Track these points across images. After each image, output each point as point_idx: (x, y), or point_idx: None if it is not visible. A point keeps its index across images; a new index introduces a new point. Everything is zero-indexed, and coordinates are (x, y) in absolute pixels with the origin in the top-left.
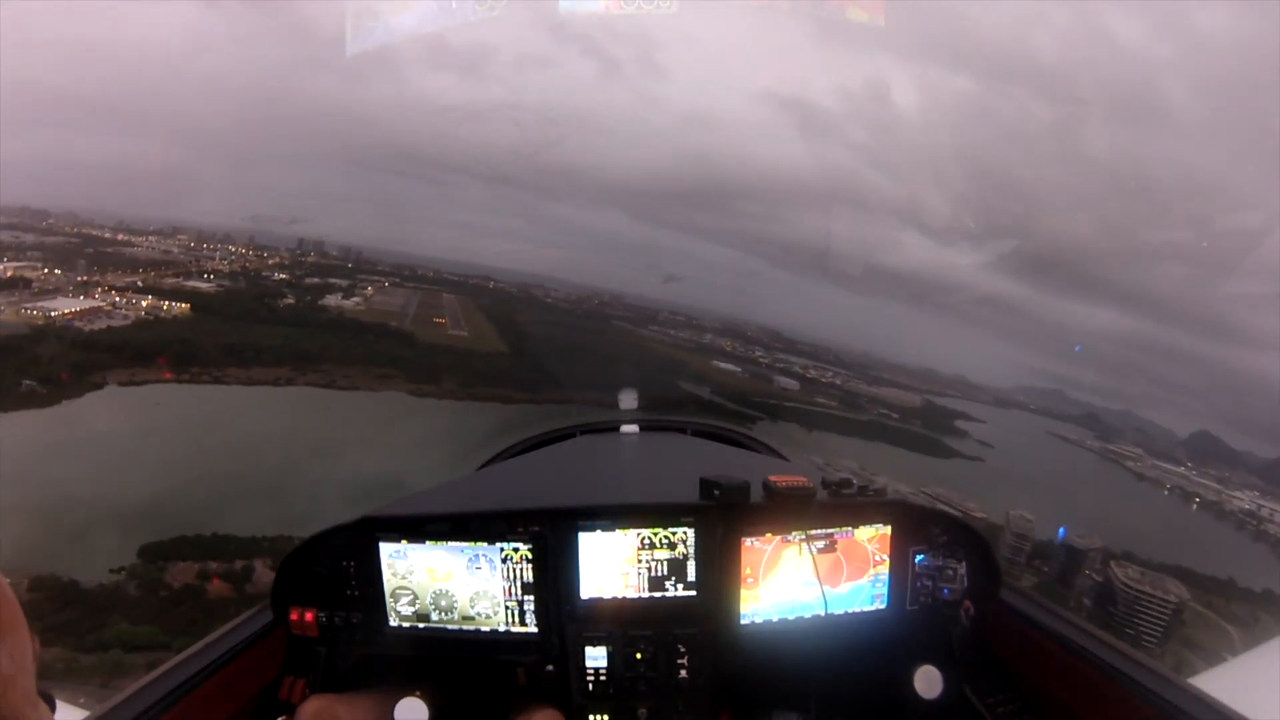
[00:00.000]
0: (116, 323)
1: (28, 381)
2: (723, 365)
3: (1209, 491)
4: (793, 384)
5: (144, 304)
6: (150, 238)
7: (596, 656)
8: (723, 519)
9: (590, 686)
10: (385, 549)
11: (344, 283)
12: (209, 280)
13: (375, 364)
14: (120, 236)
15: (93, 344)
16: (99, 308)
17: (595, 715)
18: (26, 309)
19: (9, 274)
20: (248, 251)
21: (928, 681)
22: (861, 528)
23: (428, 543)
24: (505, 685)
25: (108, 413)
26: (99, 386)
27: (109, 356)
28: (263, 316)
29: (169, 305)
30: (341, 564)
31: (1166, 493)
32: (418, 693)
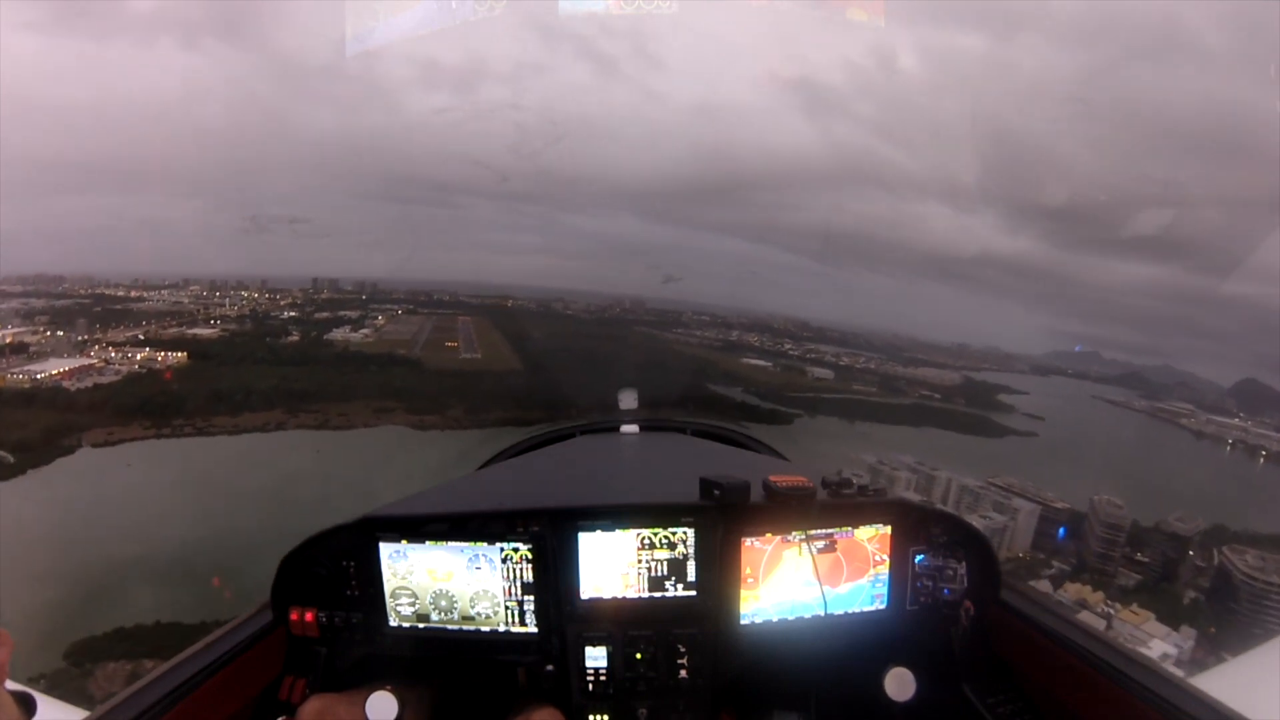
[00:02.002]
0: (106, 379)
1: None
2: (753, 361)
3: (1272, 443)
4: (827, 374)
5: (138, 358)
6: (163, 291)
7: (596, 656)
8: (723, 519)
9: (590, 686)
10: (385, 549)
11: (355, 314)
12: (214, 326)
13: (375, 397)
14: (133, 293)
15: (73, 404)
16: (90, 365)
17: (595, 715)
18: (15, 374)
19: (9, 340)
20: (260, 294)
21: (900, 684)
22: (861, 528)
23: (428, 543)
24: (505, 685)
25: (70, 480)
26: (70, 451)
27: (88, 416)
28: (261, 358)
29: (164, 356)
30: (341, 564)
31: (1229, 449)
32: (389, 687)
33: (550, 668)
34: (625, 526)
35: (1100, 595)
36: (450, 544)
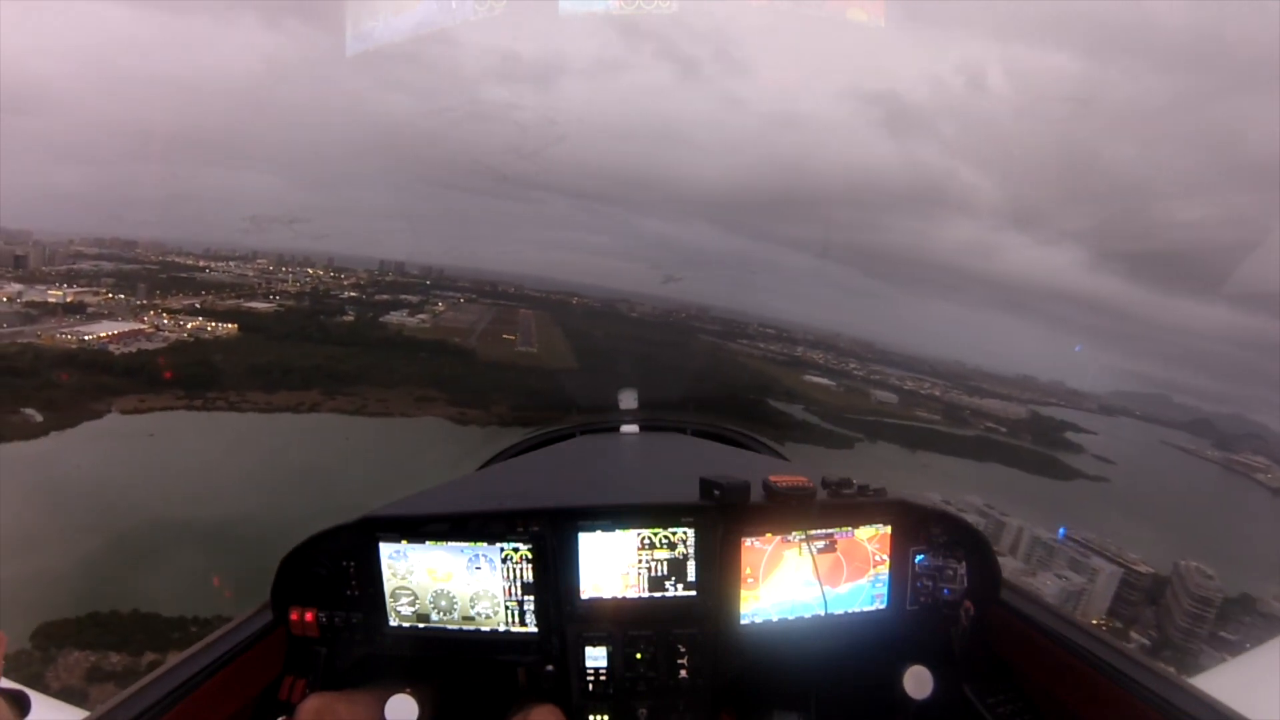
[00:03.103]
0: (154, 345)
1: (28, 410)
2: (816, 379)
3: None
4: (891, 397)
5: (189, 326)
6: (230, 263)
7: (596, 656)
8: (723, 519)
9: (590, 686)
10: (385, 549)
11: (416, 299)
12: (271, 300)
13: (419, 385)
14: (201, 263)
15: (110, 367)
16: (140, 330)
17: (595, 715)
18: (64, 333)
19: (70, 299)
20: (325, 273)
21: (918, 682)
22: (861, 528)
23: (428, 543)
24: (505, 685)
25: (90, 446)
26: (98, 415)
27: (124, 381)
28: (310, 335)
29: (214, 326)
30: (341, 564)
31: None
32: (408, 690)
33: (550, 668)
34: (625, 526)
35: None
36: (450, 544)
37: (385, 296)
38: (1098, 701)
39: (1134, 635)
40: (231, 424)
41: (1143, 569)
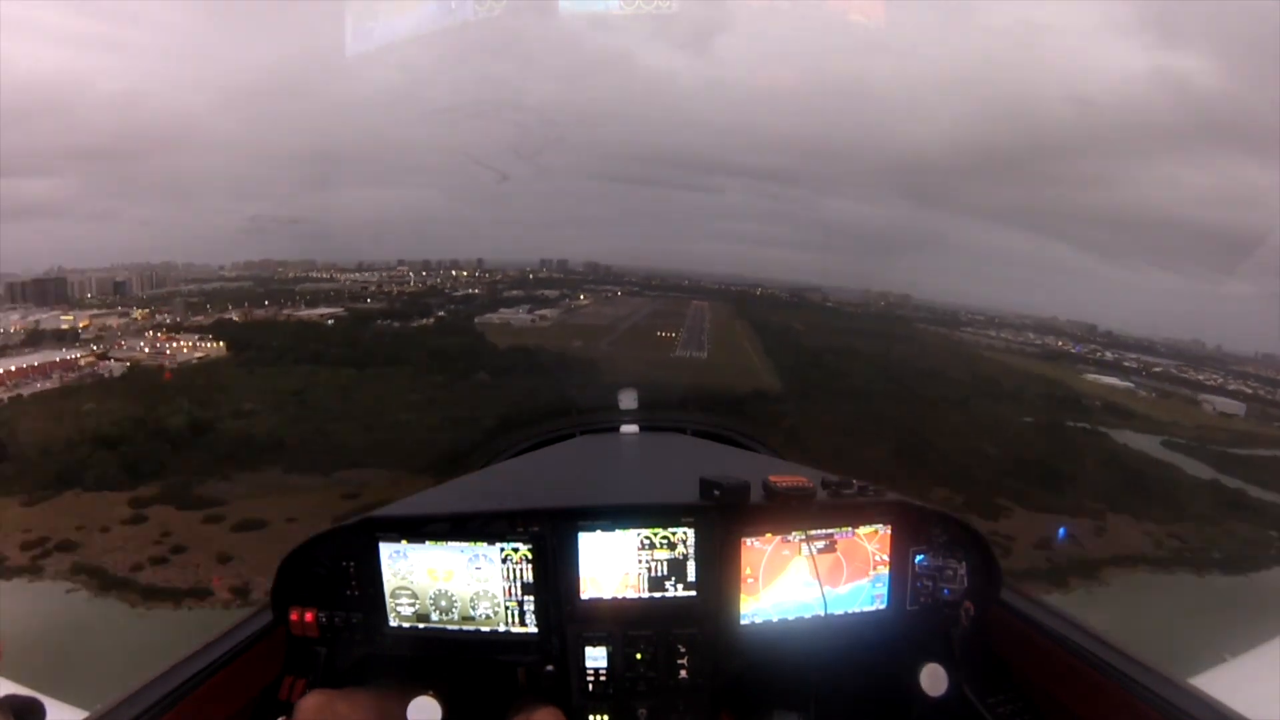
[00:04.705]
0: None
1: None
2: (1099, 378)
3: None
4: (1236, 406)
5: (175, 346)
6: (356, 274)
7: (596, 657)
8: (723, 519)
9: (590, 686)
10: (385, 549)
11: (554, 294)
12: (345, 305)
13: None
14: (333, 275)
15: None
16: (61, 363)
17: (595, 715)
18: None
19: (84, 323)
20: (470, 274)
21: (933, 679)
22: (861, 528)
23: (428, 543)
24: (505, 685)
25: None
26: None
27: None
28: (309, 356)
29: (202, 346)
30: (341, 564)
31: None
32: (431, 692)
33: (550, 668)
34: (625, 526)
35: None
36: (450, 544)
37: (517, 292)
38: (1098, 702)
39: None
40: None
41: None
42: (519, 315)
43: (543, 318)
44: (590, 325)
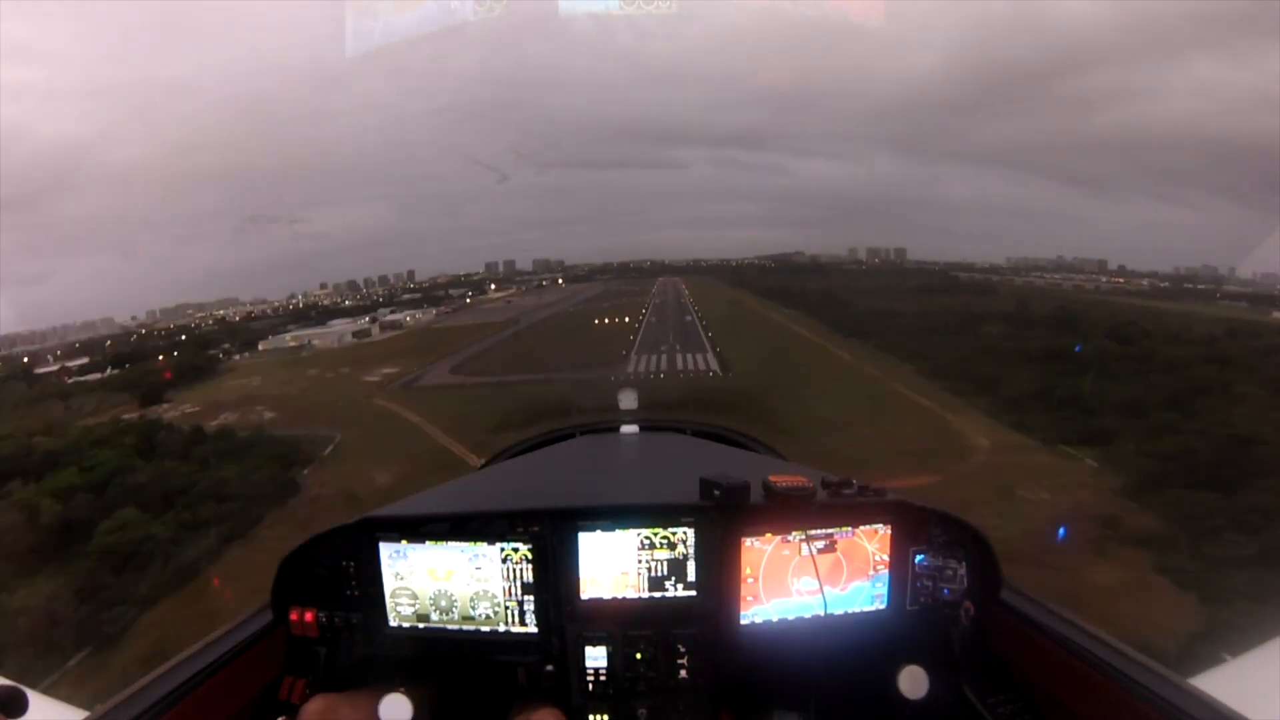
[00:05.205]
0: None
1: None
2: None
3: None
4: None
5: None
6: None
7: (596, 656)
8: (723, 519)
9: (590, 686)
10: (385, 549)
11: (458, 293)
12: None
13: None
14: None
15: None
16: None
17: (595, 715)
18: None
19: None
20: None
21: (913, 682)
22: (861, 528)
23: (428, 543)
24: (505, 685)
25: None
26: None
27: None
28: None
29: None
30: (341, 564)
31: None
32: (402, 689)
33: (550, 668)
34: (625, 526)
35: None
36: (450, 544)
37: (409, 296)
38: (1098, 702)
39: None
40: None
41: None
42: (334, 328)
43: (394, 324)
44: (469, 325)
